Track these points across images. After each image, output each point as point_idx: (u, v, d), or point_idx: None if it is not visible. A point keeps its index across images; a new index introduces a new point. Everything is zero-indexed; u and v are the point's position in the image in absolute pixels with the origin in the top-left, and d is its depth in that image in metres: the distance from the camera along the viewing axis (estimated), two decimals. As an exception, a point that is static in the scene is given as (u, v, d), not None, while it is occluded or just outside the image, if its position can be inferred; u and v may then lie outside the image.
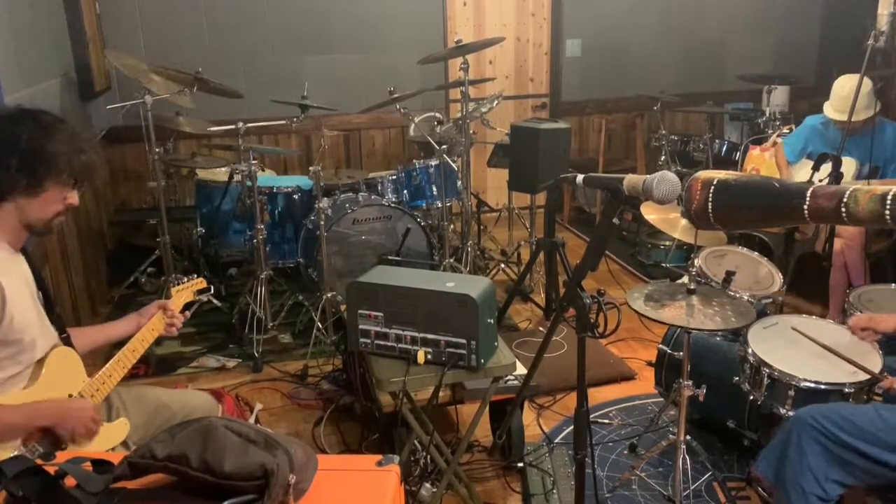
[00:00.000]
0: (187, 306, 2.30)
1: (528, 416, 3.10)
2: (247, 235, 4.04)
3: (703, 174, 1.48)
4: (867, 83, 3.54)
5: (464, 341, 2.11)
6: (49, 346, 1.87)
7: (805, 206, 1.35)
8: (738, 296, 2.70)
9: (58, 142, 1.75)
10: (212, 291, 2.42)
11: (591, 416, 2.70)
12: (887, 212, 1.26)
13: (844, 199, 1.31)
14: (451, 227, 4.46)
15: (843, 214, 1.31)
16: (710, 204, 1.45)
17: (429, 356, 2.15)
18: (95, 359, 2.12)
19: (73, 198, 1.83)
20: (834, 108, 3.75)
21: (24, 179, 1.72)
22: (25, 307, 1.79)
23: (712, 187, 1.44)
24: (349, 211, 3.84)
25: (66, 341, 1.96)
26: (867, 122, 3.68)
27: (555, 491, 2.58)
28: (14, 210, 1.76)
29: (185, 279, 2.33)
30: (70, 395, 1.85)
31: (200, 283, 2.37)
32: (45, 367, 1.82)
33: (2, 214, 1.76)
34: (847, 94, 3.64)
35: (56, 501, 1.15)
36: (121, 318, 2.18)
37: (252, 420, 3.05)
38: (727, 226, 1.50)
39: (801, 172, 3.92)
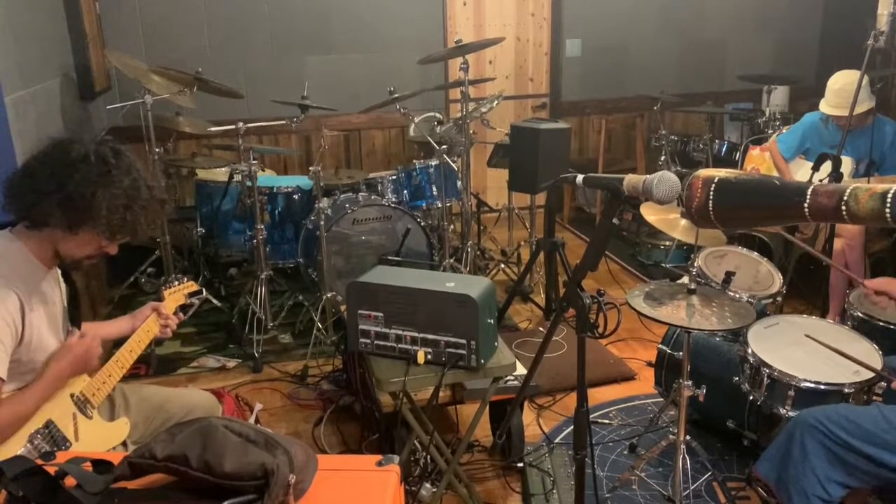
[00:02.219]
0: (182, 309, 2.31)
1: (528, 416, 3.10)
2: (247, 235, 4.03)
3: (703, 172, 1.48)
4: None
5: (464, 341, 2.11)
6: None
7: (805, 205, 1.35)
8: (737, 296, 2.70)
9: (108, 195, 1.69)
10: (204, 295, 2.43)
11: (591, 416, 2.70)
12: (888, 210, 1.26)
13: (845, 198, 1.30)
14: (451, 227, 4.45)
15: (844, 213, 1.31)
16: (710, 202, 1.44)
17: (429, 356, 2.15)
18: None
19: (111, 248, 1.81)
20: (829, 104, 3.77)
21: (62, 218, 1.69)
22: (46, 340, 1.81)
23: (713, 186, 1.44)
24: (349, 211, 3.84)
25: None
26: (864, 117, 3.69)
27: (555, 491, 2.58)
28: (50, 237, 1.75)
29: (177, 282, 2.34)
30: (71, 395, 1.86)
31: (191, 286, 2.37)
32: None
33: (40, 237, 1.75)
34: (839, 89, 3.67)
35: (56, 501, 1.15)
36: (115, 319, 2.20)
37: (252, 420, 3.05)
38: (728, 224, 1.50)
39: (801, 172, 3.92)
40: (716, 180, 1.45)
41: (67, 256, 1.79)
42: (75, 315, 1.98)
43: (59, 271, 1.92)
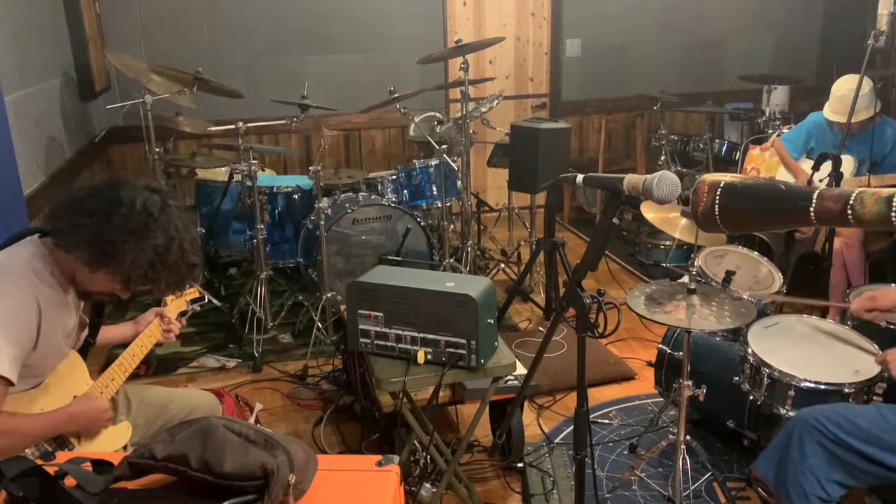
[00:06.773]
0: (182, 314, 2.32)
1: (528, 416, 3.10)
2: (247, 235, 4.03)
3: (709, 177, 1.49)
4: (867, 83, 3.55)
5: (464, 341, 2.11)
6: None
7: (811, 209, 1.35)
8: (738, 296, 2.70)
9: (136, 249, 1.68)
10: (205, 300, 2.44)
11: (591, 416, 2.70)
12: (893, 214, 1.27)
13: (851, 202, 1.31)
14: (451, 227, 4.45)
15: (850, 217, 1.31)
16: (716, 206, 1.45)
17: (429, 356, 2.15)
18: (93, 360, 2.13)
19: (124, 294, 1.81)
20: (832, 111, 3.77)
21: (86, 254, 1.68)
22: (59, 349, 1.83)
23: (719, 190, 1.45)
24: (349, 211, 3.84)
25: (86, 346, 2.00)
26: (868, 121, 3.69)
27: (555, 491, 2.58)
28: (72, 262, 1.74)
29: None
30: (74, 398, 1.86)
31: (194, 291, 2.38)
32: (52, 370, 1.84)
33: (65, 258, 1.74)
34: (842, 95, 3.67)
35: (56, 502, 1.14)
36: (118, 324, 2.21)
37: (252, 420, 3.05)
38: (734, 228, 1.50)
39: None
40: (721, 185, 1.45)
41: (81, 286, 1.81)
42: (96, 321, 2.00)
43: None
